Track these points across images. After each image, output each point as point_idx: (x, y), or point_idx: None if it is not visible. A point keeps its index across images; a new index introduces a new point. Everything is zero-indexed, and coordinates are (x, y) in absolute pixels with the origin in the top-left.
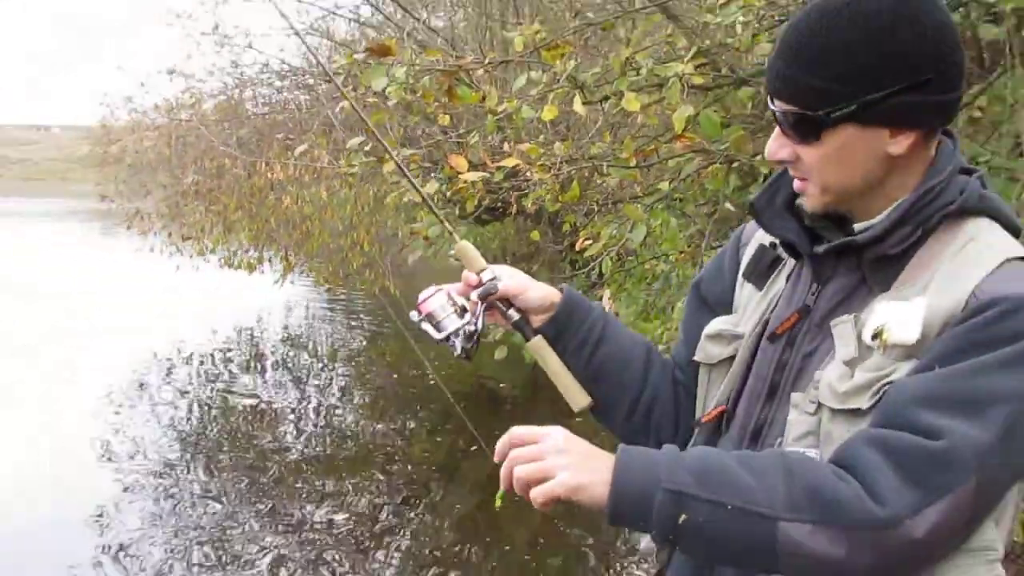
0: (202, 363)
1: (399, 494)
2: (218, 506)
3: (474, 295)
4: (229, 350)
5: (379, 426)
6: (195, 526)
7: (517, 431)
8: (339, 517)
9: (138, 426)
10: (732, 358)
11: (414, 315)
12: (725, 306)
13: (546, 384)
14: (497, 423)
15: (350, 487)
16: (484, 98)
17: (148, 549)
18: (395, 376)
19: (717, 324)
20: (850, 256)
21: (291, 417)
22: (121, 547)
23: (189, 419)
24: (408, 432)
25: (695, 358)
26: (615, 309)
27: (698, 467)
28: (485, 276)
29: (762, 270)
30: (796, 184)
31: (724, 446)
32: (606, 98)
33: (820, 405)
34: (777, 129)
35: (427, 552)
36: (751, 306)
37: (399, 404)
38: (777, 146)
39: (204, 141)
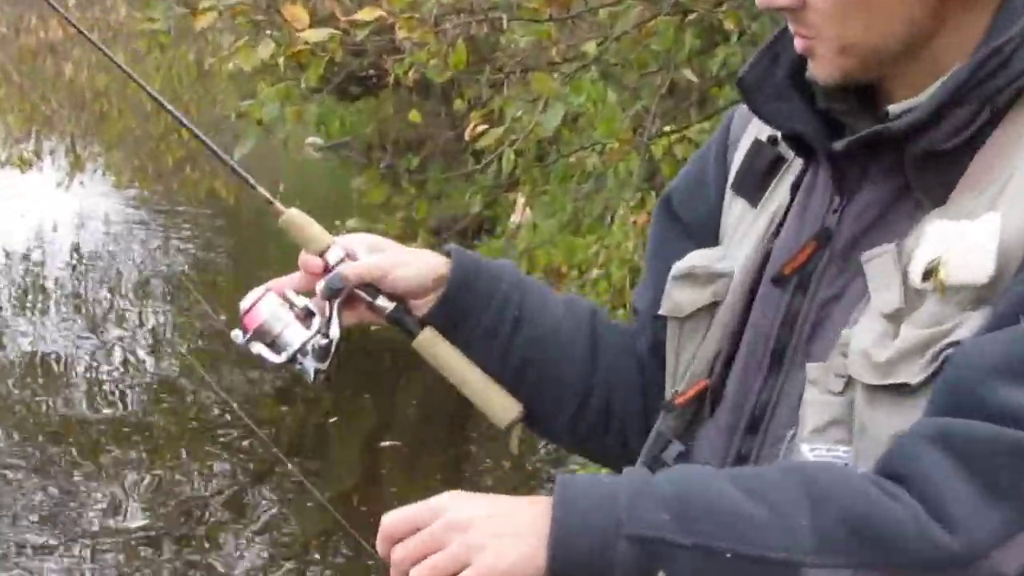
0: None
1: (239, 472)
2: None
3: (321, 287)
4: None
5: (209, 384)
6: None
7: (392, 523)
8: (160, 502)
9: None
10: (712, 307)
11: (237, 334)
12: (710, 232)
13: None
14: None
15: (173, 464)
16: None
17: None
18: (229, 315)
19: (690, 259)
20: (886, 153)
21: (87, 373)
22: None
23: None
24: (249, 392)
25: (662, 311)
26: (532, 219)
27: (677, 496)
28: (332, 257)
29: (757, 177)
30: (798, 43)
31: (707, 439)
32: None
33: (851, 380)
34: None
35: (280, 542)
36: (740, 230)
37: (236, 353)
38: None
39: None
